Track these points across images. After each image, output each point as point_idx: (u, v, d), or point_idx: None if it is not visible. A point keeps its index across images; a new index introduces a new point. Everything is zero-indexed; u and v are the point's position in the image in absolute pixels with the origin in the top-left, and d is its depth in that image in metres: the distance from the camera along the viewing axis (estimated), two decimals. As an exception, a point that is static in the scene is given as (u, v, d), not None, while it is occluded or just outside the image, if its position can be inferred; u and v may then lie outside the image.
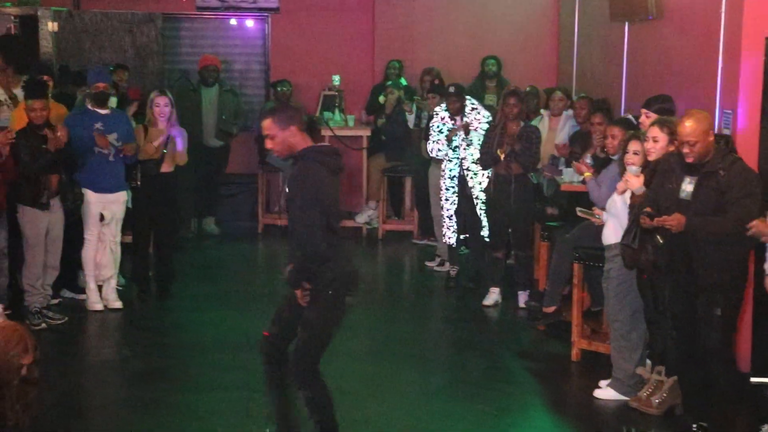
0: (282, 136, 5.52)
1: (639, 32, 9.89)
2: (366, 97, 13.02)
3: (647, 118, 7.09)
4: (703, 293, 5.91)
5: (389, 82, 12.48)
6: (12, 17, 13.85)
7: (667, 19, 9.11)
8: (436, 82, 11.23)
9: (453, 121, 9.68)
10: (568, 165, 9.00)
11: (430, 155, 9.96)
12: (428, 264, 10.90)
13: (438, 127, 9.80)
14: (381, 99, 12.32)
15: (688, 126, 5.88)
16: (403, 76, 12.73)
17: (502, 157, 8.98)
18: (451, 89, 9.74)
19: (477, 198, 9.57)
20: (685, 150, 5.89)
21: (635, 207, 6.47)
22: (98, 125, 8.75)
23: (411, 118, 11.73)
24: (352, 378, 7.35)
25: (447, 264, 10.52)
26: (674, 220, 5.85)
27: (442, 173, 9.86)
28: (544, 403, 7.02)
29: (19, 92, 9.53)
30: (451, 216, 9.83)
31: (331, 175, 5.57)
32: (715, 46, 7.81)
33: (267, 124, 5.56)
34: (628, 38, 10.18)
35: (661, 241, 6.17)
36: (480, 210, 9.53)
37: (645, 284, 6.66)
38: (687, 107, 6.97)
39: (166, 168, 9.20)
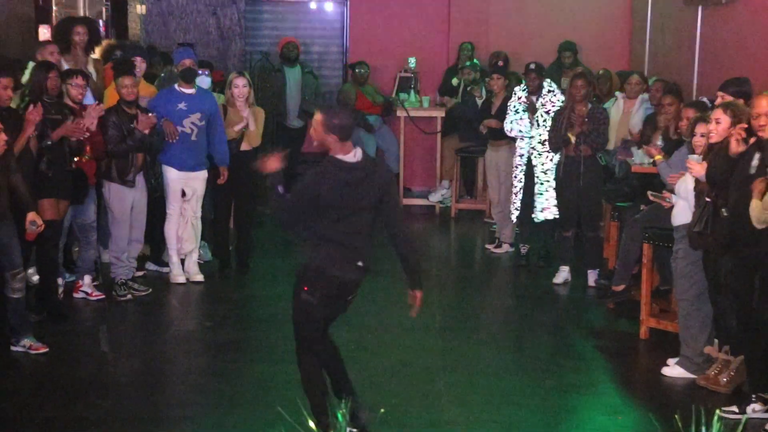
0: (323, 136, 5.79)
1: (712, 16, 9.68)
2: (441, 78, 12.92)
3: (722, 100, 6.87)
4: (762, 266, 5.82)
5: (467, 63, 12.34)
6: (104, 0, 13.99)
7: (741, 4, 8.92)
8: (500, 63, 10.93)
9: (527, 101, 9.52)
10: (639, 148, 8.82)
11: (509, 134, 9.78)
12: (488, 247, 10.66)
13: (515, 106, 9.65)
14: (454, 81, 12.18)
15: (765, 101, 5.89)
16: (476, 58, 12.60)
17: (573, 139, 8.82)
18: (532, 66, 9.57)
19: (537, 177, 9.42)
20: (762, 122, 5.87)
21: (702, 194, 6.33)
22: (181, 105, 8.77)
23: (480, 102, 11.58)
24: (424, 352, 7.33)
25: (504, 246, 10.41)
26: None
27: (515, 153, 9.73)
28: (612, 380, 6.91)
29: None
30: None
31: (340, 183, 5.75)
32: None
33: (318, 117, 5.73)
34: (701, 22, 9.95)
35: (725, 213, 6.08)
36: (538, 190, 9.40)
37: (709, 264, 6.50)
38: (760, 90, 6.77)
39: (245, 147, 9.23)
